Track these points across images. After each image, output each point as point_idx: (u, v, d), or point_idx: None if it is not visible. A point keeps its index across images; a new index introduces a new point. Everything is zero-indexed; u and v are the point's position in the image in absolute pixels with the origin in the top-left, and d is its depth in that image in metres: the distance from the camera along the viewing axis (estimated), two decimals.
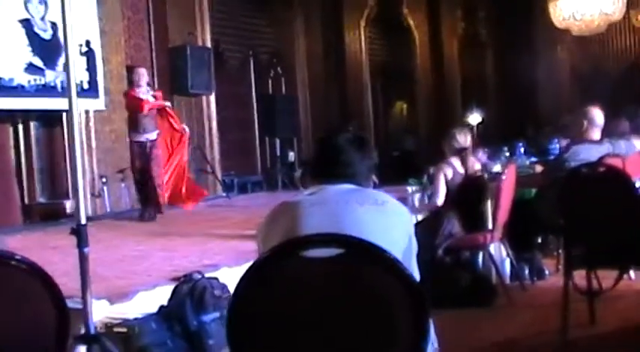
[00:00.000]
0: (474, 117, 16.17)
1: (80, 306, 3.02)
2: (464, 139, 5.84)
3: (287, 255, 1.82)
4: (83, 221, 2.91)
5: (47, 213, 8.56)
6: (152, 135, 7.98)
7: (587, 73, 16.58)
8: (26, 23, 8.53)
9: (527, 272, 6.14)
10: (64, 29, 2.95)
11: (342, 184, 2.36)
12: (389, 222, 2.23)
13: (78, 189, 2.96)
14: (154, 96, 8.15)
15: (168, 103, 8.56)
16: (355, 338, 1.78)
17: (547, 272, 6.20)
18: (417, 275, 2.30)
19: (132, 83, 8.22)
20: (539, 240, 6.63)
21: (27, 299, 1.99)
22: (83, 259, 2.89)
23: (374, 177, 2.53)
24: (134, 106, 7.91)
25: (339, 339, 1.78)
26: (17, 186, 8.79)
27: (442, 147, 5.94)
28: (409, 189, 6.44)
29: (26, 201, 8.90)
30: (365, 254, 1.78)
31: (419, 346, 1.74)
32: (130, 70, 8.68)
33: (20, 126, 8.87)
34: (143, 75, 8.14)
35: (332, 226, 2.07)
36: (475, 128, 15.92)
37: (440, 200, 5.77)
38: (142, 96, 7.92)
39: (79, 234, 2.87)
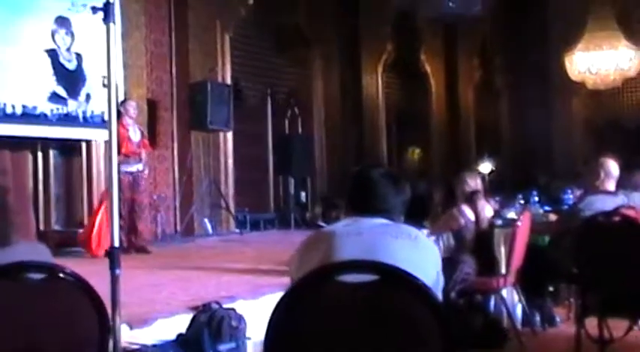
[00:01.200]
0: (485, 166, 16.26)
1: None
2: (474, 183, 5.89)
3: (323, 279, 1.89)
4: (116, 244, 3.00)
5: (61, 241, 8.62)
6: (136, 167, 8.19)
7: (601, 125, 16.71)
8: (52, 53, 8.71)
9: (538, 318, 6.15)
10: (109, 78, 3.04)
11: (376, 218, 2.43)
12: (421, 256, 2.29)
13: (114, 215, 3.04)
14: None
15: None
16: None
17: (558, 319, 6.21)
18: None
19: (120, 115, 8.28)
20: (552, 288, 6.65)
21: (73, 314, 2.06)
22: (115, 280, 2.97)
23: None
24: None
25: None
26: (33, 212, 8.88)
27: (453, 190, 5.98)
28: (424, 232, 6.48)
29: (42, 227, 8.98)
30: (398, 281, 1.86)
31: None
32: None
33: (40, 154, 8.99)
34: (133, 107, 8.40)
35: (367, 256, 2.13)
36: (486, 176, 16.00)
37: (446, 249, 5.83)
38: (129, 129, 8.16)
39: (112, 257, 2.95)
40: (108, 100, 3.09)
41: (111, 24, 3.05)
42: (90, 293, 2.06)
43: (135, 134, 8.21)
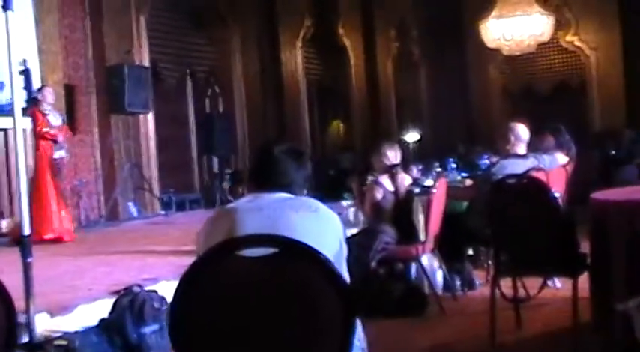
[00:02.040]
0: (412, 135, 16.49)
1: (23, 320, 3.08)
2: (394, 155, 6.00)
3: (223, 254, 1.96)
4: (27, 232, 3.00)
5: None
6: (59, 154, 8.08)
7: (517, 91, 17.16)
8: None
9: (458, 283, 6.35)
10: (10, 66, 3.02)
11: (278, 193, 2.51)
12: (322, 227, 2.39)
13: (22, 202, 3.04)
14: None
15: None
16: (288, 333, 1.93)
17: (478, 282, 6.43)
18: (347, 277, 2.47)
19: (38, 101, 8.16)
20: (470, 252, 6.87)
21: None
22: (27, 269, 2.98)
23: (307, 187, 2.68)
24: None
25: (273, 335, 1.93)
26: None
27: (371, 162, 6.10)
28: (344, 203, 6.62)
29: None
30: (297, 253, 1.93)
31: (347, 340, 1.90)
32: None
33: None
34: (50, 93, 8.23)
35: (268, 230, 2.20)
36: (412, 145, 16.25)
37: (366, 219, 5.97)
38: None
39: (23, 245, 2.96)
40: (11, 89, 3.06)
41: (9, 12, 3.00)
42: None
43: (56, 119, 8.06)
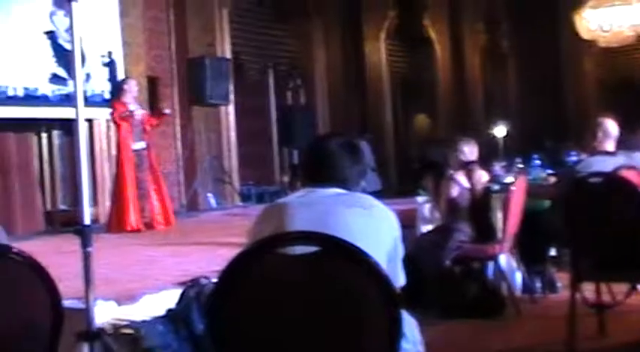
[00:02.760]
0: (500, 130, 16.12)
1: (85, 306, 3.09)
2: (470, 151, 5.81)
3: (265, 250, 1.88)
4: (87, 222, 2.99)
5: (68, 220, 8.65)
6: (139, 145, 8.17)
7: (615, 85, 16.47)
8: (51, 35, 8.74)
9: (538, 285, 6.10)
10: (72, 39, 3.01)
11: (331, 188, 2.40)
12: (374, 225, 2.27)
13: (83, 193, 3.03)
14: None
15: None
16: (329, 333, 1.83)
17: (559, 285, 6.16)
18: (401, 278, 2.35)
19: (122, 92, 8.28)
20: (553, 253, 6.59)
21: (22, 293, 2.05)
22: (86, 258, 2.97)
23: (364, 183, 2.56)
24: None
25: (313, 333, 1.83)
26: (40, 193, 8.94)
27: (448, 158, 5.92)
28: (419, 199, 6.45)
29: (48, 207, 9.05)
30: (339, 251, 1.83)
31: (392, 343, 1.79)
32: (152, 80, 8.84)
33: (44, 135, 9.05)
34: (135, 85, 8.34)
35: (318, 226, 2.10)
36: (499, 140, 15.88)
37: (442, 217, 5.81)
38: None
39: (83, 234, 2.95)
40: (73, 79, 3.06)
41: (73, 2, 2.99)
42: (41, 274, 2.05)
43: (137, 112, 8.15)
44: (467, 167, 5.73)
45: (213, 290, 1.90)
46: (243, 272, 1.87)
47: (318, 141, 2.59)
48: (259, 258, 1.88)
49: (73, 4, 3.02)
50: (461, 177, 5.72)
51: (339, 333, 1.84)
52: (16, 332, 2.00)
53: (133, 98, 8.19)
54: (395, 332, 1.79)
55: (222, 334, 1.89)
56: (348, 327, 1.85)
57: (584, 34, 14.18)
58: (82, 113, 3.05)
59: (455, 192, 5.68)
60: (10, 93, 8.31)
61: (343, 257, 1.83)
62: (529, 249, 6.04)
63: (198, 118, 10.64)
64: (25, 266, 2.03)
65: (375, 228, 2.25)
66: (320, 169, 2.46)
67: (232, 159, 11.04)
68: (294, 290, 1.86)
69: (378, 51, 14.22)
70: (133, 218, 7.87)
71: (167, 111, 8.95)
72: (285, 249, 1.88)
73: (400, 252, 2.35)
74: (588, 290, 4.71)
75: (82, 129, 3.08)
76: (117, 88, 8.60)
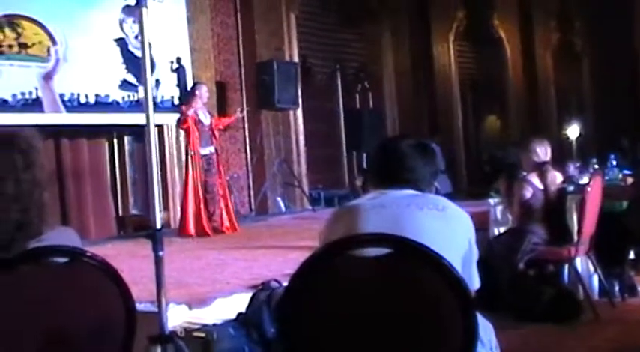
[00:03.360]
0: (573, 130, 15.76)
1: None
2: (544, 152, 5.66)
3: (337, 252, 1.84)
4: (158, 226, 3.01)
5: (140, 224, 8.83)
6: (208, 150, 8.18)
7: None
8: (121, 42, 8.91)
9: (617, 288, 5.92)
10: (142, 44, 3.04)
11: (404, 190, 2.36)
12: (449, 227, 2.22)
13: (154, 198, 3.05)
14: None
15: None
16: (402, 337, 1.79)
17: (639, 288, 5.97)
18: (476, 281, 2.29)
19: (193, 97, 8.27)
20: (632, 256, 6.39)
21: (97, 296, 2.07)
22: (158, 262, 2.99)
23: (436, 184, 2.52)
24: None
25: (386, 337, 1.79)
26: (112, 198, 9.12)
27: (521, 160, 5.79)
28: (491, 201, 6.34)
29: (120, 212, 9.22)
30: (413, 254, 1.79)
31: (467, 347, 1.73)
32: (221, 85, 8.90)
33: (115, 141, 9.23)
34: (206, 91, 8.32)
35: (391, 229, 2.05)
36: (573, 141, 15.53)
37: (515, 219, 5.68)
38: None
39: (154, 239, 2.97)
40: (144, 83, 3.08)
41: (143, 9, 3.01)
42: (114, 277, 2.06)
43: (205, 117, 8.18)
44: (540, 168, 5.59)
45: (285, 293, 1.88)
46: (314, 275, 1.84)
47: (389, 143, 2.55)
48: (331, 260, 1.85)
49: (143, 9, 3.05)
50: (534, 179, 5.58)
51: (413, 337, 1.79)
52: (91, 336, 2.02)
53: (203, 104, 8.22)
54: (470, 336, 1.74)
55: (293, 337, 1.86)
56: (422, 331, 1.81)
57: None
58: (152, 118, 3.08)
59: (528, 193, 5.54)
60: (82, 100, 8.49)
61: (417, 259, 1.78)
62: (606, 252, 5.86)
63: (267, 122, 10.70)
64: (99, 269, 2.04)
65: (449, 229, 2.20)
66: (391, 170, 2.43)
67: (301, 163, 11.07)
68: (367, 293, 1.82)
69: (447, 52, 14.09)
70: (192, 223, 7.92)
71: (240, 113, 9.01)
72: (358, 251, 1.85)
73: (475, 254, 2.30)
74: None
75: (153, 134, 3.10)
76: (188, 92, 8.62)
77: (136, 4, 3.07)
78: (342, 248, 1.85)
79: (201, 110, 8.18)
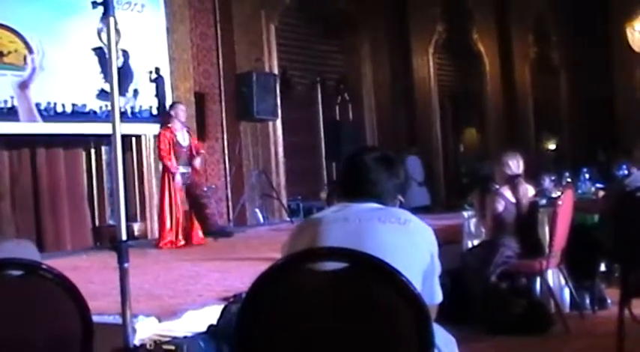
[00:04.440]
0: (550, 143, 15.90)
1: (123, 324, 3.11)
2: (516, 165, 5.70)
3: (293, 266, 1.86)
4: (124, 238, 3.01)
5: (116, 235, 8.77)
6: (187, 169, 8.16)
7: None
8: (99, 51, 8.85)
9: (588, 301, 5.96)
10: (109, 53, 3.05)
11: (367, 203, 2.37)
12: (410, 241, 2.22)
13: (120, 209, 3.06)
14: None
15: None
16: (357, 350, 1.80)
17: (609, 301, 6.00)
18: (438, 295, 2.30)
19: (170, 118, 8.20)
20: (603, 268, 6.44)
21: (52, 309, 2.06)
22: (123, 275, 2.99)
23: (400, 197, 2.53)
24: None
25: (341, 350, 1.80)
26: (89, 208, 9.06)
27: (493, 173, 5.83)
28: (465, 214, 6.36)
29: (97, 223, 9.16)
30: (368, 268, 1.80)
31: None
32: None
33: (92, 151, 9.18)
34: (183, 111, 8.25)
35: (352, 242, 2.06)
36: (549, 154, 15.66)
37: (488, 232, 5.73)
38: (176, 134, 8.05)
39: (120, 251, 2.97)
40: (111, 95, 3.08)
41: (110, 18, 3.03)
42: (71, 291, 2.05)
43: (184, 139, 8.13)
44: (512, 181, 5.63)
45: (242, 306, 1.88)
46: (271, 288, 1.85)
47: (355, 156, 2.53)
48: (288, 273, 1.86)
49: (110, 19, 3.06)
50: (506, 192, 5.61)
51: (367, 347, 1.80)
52: (46, 349, 2.01)
53: (181, 123, 8.15)
54: (425, 345, 1.75)
55: (249, 350, 1.87)
56: (377, 346, 1.81)
57: (636, 47, 13.91)
58: (118, 128, 3.09)
59: (500, 207, 5.58)
60: (59, 109, 8.46)
61: (372, 273, 1.79)
62: (578, 265, 5.91)
63: (246, 133, 10.69)
64: (54, 283, 2.04)
65: (410, 243, 2.21)
66: (355, 184, 2.44)
67: (280, 174, 11.08)
68: (323, 306, 1.82)
69: (427, 65, 14.16)
70: (167, 236, 7.92)
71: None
72: (314, 265, 1.86)
73: (437, 268, 2.30)
74: (638, 306, 4.57)
75: (118, 144, 3.11)
76: (165, 114, 8.56)
77: (104, 13, 3.08)
78: (299, 261, 1.87)
79: (180, 132, 8.10)
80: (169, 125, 8.06)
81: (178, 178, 7.97)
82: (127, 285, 3.01)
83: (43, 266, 2.03)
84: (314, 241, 2.23)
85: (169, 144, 7.94)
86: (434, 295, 2.29)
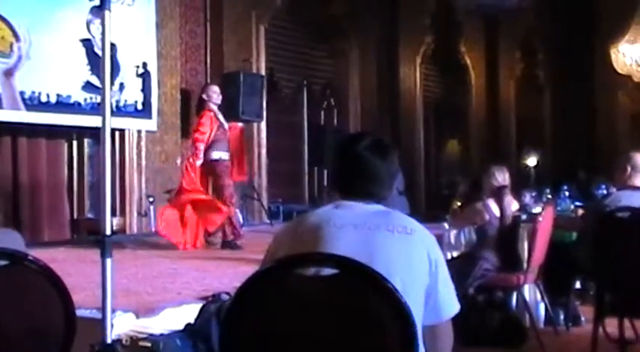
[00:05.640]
0: (531, 159, 16.01)
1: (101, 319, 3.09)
2: (502, 178, 5.76)
3: (284, 270, 1.86)
4: (108, 232, 3.00)
5: (93, 228, 8.72)
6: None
7: None
8: (87, 43, 8.81)
9: (562, 317, 6.02)
10: (103, 47, 3.04)
11: (367, 201, 2.30)
12: (416, 252, 2.17)
13: (105, 203, 3.04)
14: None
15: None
16: None
17: (583, 318, 6.06)
18: (452, 306, 2.29)
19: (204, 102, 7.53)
20: (578, 286, 6.50)
21: (36, 301, 2.06)
22: (105, 269, 2.97)
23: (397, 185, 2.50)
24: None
25: None
26: (67, 200, 9.00)
27: (479, 184, 5.87)
28: (445, 225, 6.40)
29: (75, 215, 9.11)
30: (358, 275, 1.80)
31: None
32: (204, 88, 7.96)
33: (75, 143, 9.14)
34: (216, 93, 7.56)
35: (362, 252, 2.03)
36: (530, 170, 15.77)
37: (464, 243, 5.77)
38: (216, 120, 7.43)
39: (103, 245, 2.95)
40: (102, 88, 3.07)
41: (106, 12, 3.02)
42: (55, 282, 2.05)
43: (223, 119, 7.58)
44: (498, 192, 5.67)
45: (229, 307, 1.88)
46: (260, 291, 1.85)
47: (346, 147, 2.40)
48: (277, 277, 1.86)
49: (106, 12, 3.05)
50: (492, 205, 5.64)
51: None
52: (28, 340, 2.00)
53: (216, 106, 7.51)
54: None
55: (233, 350, 1.87)
56: (362, 349, 1.82)
57: (620, 69, 14.06)
58: (108, 121, 3.08)
59: (486, 218, 5.61)
60: (43, 99, 8.38)
61: (361, 281, 1.80)
62: (554, 281, 5.96)
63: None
64: (40, 274, 2.03)
65: (416, 255, 2.16)
66: (351, 180, 2.34)
67: (262, 176, 11.05)
68: (312, 312, 1.83)
69: (413, 75, 14.22)
70: (179, 237, 7.28)
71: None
72: (304, 270, 1.85)
73: (445, 274, 2.25)
74: (612, 325, 4.63)
75: (107, 138, 3.10)
76: (198, 100, 7.86)
77: (100, 6, 3.07)
78: (289, 266, 1.87)
79: (219, 114, 7.56)
80: (206, 109, 7.42)
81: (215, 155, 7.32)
82: (108, 281, 2.99)
83: (29, 258, 2.02)
84: (320, 245, 2.14)
85: (210, 130, 7.32)
86: (445, 306, 2.25)
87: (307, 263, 1.90)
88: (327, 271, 1.86)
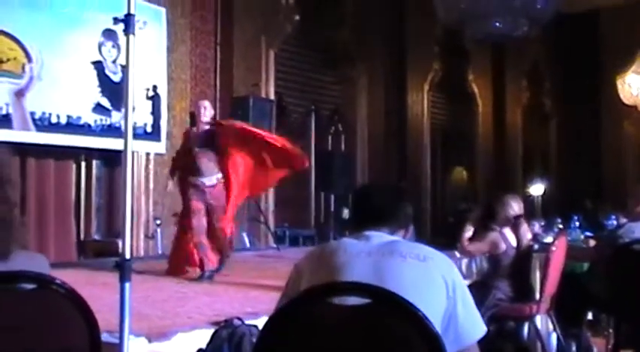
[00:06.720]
0: (537, 188, 15.97)
1: (117, 341, 3.06)
2: (518, 207, 5.71)
3: (314, 300, 1.84)
4: (127, 256, 2.97)
5: (101, 251, 8.72)
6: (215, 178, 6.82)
7: None
8: (98, 65, 8.87)
9: (574, 349, 5.96)
10: (126, 74, 3.04)
11: (381, 231, 2.37)
12: (430, 278, 2.18)
13: (126, 226, 3.02)
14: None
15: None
16: None
17: (595, 350, 6.01)
18: (480, 326, 2.31)
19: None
20: (590, 317, 6.45)
21: (62, 325, 2.03)
22: (124, 293, 2.95)
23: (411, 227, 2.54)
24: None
25: None
26: (74, 222, 8.99)
27: (492, 212, 5.81)
28: (457, 254, 6.35)
29: (82, 237, 9.09)
30: (391, 305, 1.78)
31: None
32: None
33: (83, 164, 9.15)
34: (205, 107, 6.89)
35: (374, 278, 2.06)
36: (537, 199, 15.73)
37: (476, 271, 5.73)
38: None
39: (123, 269, 2.93)
40: (125, 113, 3.07)
41: (130, 35, 3.02)
42: (81, 306, 2.03)
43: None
44: (514, 221, 5.62)
45: (260, 335, 1.86)
46: (291, 320, 1.83)
47: (363, 188, 2.73)
48: (309, 306, 1.84)
49: (131, 36, 3.06)
50: (508, 234, 5.59)
51: None
52: None
53: (203, 124, 6.87)
54: None
55: None
56: None
57: (626, 99, 14.11)
58: (130, 144, 3.07)
59: (502, 247, 5.55)
60: (54, 120, 8.40)
61: (394, 310, 1.78)
62: (566, 312, 5.91)
63: None
64: (66, 298, 2.01)
65: (430, 281, 2.17)
66: (365, 211, 2.47)
67: (269, 200, 11.03)
68: (341, 341, 1.81)
69: (421, 102, 14.25)
70: (185, 263, 6.95)
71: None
72: (335, 298, 1.84)
73: (466, 296, 2.25)
74: None
75: (129, 160, 3.09)
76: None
77: (124, 30, 3.08)
78: (322, 295, 1.85)
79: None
80: (192, 128, 7.07)
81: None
82: (126, 305, 2.96)
83: (57, 281, 2.00)
84: (335, 273, 2.18)
85: (183, 151, 6.96)
86: (469, 330, 2.27)
87: (339, 291, 1.88)
88: (354, 300, 1.85)
